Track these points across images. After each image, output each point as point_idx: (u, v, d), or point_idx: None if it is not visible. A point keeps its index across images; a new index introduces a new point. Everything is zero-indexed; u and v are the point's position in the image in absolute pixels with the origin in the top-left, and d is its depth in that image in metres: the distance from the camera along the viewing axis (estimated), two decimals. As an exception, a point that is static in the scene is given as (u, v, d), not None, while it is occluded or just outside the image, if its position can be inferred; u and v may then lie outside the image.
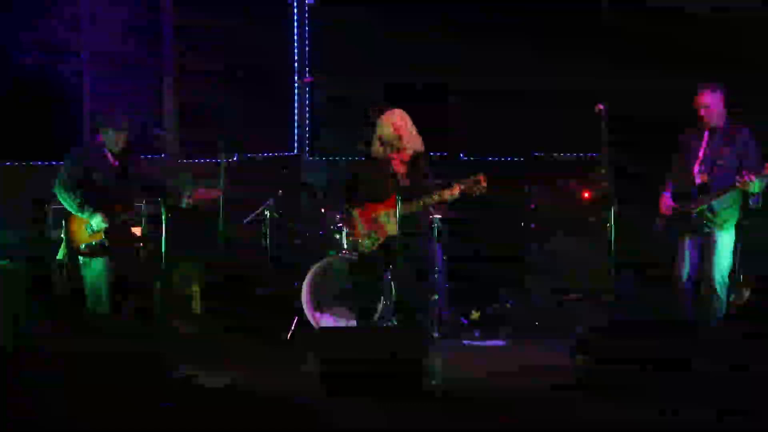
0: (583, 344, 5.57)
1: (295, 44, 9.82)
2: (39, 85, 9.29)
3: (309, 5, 9.84)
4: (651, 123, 7.63)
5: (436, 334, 7.21)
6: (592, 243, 7.99)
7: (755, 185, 6.13)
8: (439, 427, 4.92)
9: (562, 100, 8.69)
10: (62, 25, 9.42)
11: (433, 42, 9.10)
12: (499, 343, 7.36)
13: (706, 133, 6.44)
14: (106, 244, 6.69)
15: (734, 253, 6.36)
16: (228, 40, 9.56)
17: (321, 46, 9.81)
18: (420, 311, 6.64)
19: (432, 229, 7.16)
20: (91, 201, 6.71)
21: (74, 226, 6.75)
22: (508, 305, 8.16)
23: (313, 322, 7.38)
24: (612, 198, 6.44)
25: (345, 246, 7.46)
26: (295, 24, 9.84)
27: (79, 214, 6.70)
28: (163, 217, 6.45)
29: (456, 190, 6.35)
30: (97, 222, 6.68)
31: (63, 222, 6.79)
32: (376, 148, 6.62)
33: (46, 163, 9.37)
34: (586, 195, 8.73)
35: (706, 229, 6.37)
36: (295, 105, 9.89)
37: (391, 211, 6.40)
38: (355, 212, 6.64)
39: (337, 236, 7.64)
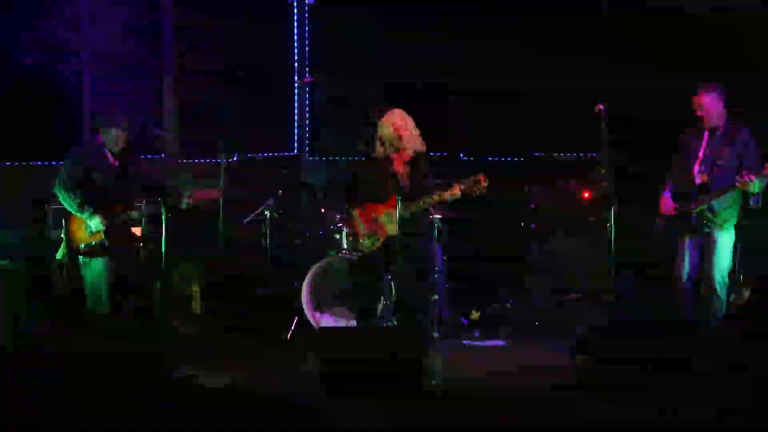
0: (583, 344, 5.57)
1: (295, 44, 9.82)
2: (39, 85, 9.29)
3: (309, 5, 9.84)
4: (651, 123, 7.63)
5: (436, 334, 7.21)
6: (592, 243, 7.98)
7: (755, 185, 6.12)
8: (439, 427, 4.92)
9: (562, 100, 8.69)
10: (62, 25, 9.42)
11: (433, 42, 9.09)
12: (499, 343, 7.36)
13: (706, 133, 6.44)
14: (106, 244, 6.69)
15: (734, 253, 6.36)
16: (228, 40, 9.56)
17: (321, 46, 9.81)
18: (420, 311, 6.64)
19: (432, 229, 7.16)
20: (91, 201, 6.71)
21: (74, 226, 6.75)
22: (508, 305, 8.16)
23: (313, 322, 7.38)
24: (612, 198, 6.44)
25: (345, 246, 7.46)
26: (295, 24, 9.84)
27: (79, 214, 6.71)
28: (163, 217, 6.45)
29: (456, 190, 6.35)
30: (96, 224, 6.68)
31: (63, 222, 6.79)
32: (377, 148, 6.62)
33: (46, 163, 9.37)
34: (586, 195, 8.73)
35: (706, 229, 6.37)
36: (295, 105, 9.89)
37: (392, 212, 6.39)
38: (356, 212, 6.64)
39: (337, 236, 7.65)
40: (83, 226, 6.72)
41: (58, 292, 7.05)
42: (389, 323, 6.64)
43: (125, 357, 5.41)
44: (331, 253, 7.56)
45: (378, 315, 6.77)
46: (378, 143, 6.60)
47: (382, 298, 6.79)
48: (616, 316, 6.79)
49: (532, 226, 8.69)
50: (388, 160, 6.59)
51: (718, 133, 6.40)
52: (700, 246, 6.42)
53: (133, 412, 4.74)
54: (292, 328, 7.41)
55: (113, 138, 6.80)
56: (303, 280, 7.45)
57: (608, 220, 6.37)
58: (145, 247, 6.89)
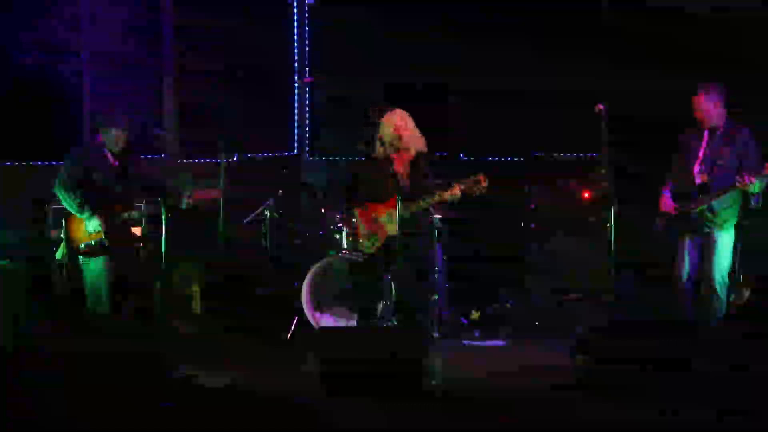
0: (583, 344, 5.56)
1: (295, 44, 9.82)
2: (39, 85, 9.28)
3: (309, 5, 9.84)
4: (651, 123, 7.63)
5: (436, 334, 7.20)
6: (592, 243, 7.98)
7: (755, 186, 6.12)
8: (439, 427, 4.92)
9: (562, 100, 8.68)
10: (62, 25, 9.42)
11: (433, 42, 9.09)
12: (499, 343, 7.36)
13: (706, 133, 6.44)
14: (106, 244, 6.69)
15: (734, 253, 6.36)
16: (228, 40, 9.56)
17: (321, 46, 9.81)
18: (420, 311, 6.64)
19: (432, 229, 7.15)
20: (91, 201, 6.71)
21: (74, 226, 6.75)
22: (508, 305, 8.16)
23: (313, 322, 7.38)
24: (612, 198, 6.44)
25: (345, 246, 7.46)
26: (295, 24, 9.84)
27: (79, 215, 6.70)
28: (163, 217, 6.45)
29: (456, 190, 6.35)
30: (95, 225, 6.68)
31: (63, 222, 6.79)
32: (377, 149, 6.62)
33: (46, 163, 9.37)
34: (586, 195, 8.73)
35: (706, 229, 6.37)
36: (295, 105, 9.89)
37: (392, 212, 6.39)
38: (356, 212, 6.64)
39: (337, 236, 7.65)
40: (83, 226, 6.72)
41: (58, 292, 7.05)
42: (389, 323, 6.64)
43: (125, 357, 5.41)
44: (331, 253, 7.56)
45: (378, 315, 6.77)
46: (378, 143, 6.60)
47: (382, 298, 6.79)
48: (616, 316, 6.79)
49: (532, 226, 8.69)
50: (388, 160, 6.59)
51: (718, 133, 6.40)
52: (700, 246, 6.42)
53: (133, 412, 4.74)
54: (292, 328, 7.41)
55: (113, 138, 6.80)
56: (303, 280, 7.45)
57: (608, 220, 6.37)
58: (145, 247, 6.88)
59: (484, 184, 6.33)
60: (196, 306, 7.84)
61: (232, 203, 7.00)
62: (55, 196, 6.85)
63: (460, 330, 7.64)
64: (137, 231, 6.90)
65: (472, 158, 9.47)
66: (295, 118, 9.87)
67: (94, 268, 6.72)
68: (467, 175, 6.37)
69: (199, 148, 9.36)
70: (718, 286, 6.32)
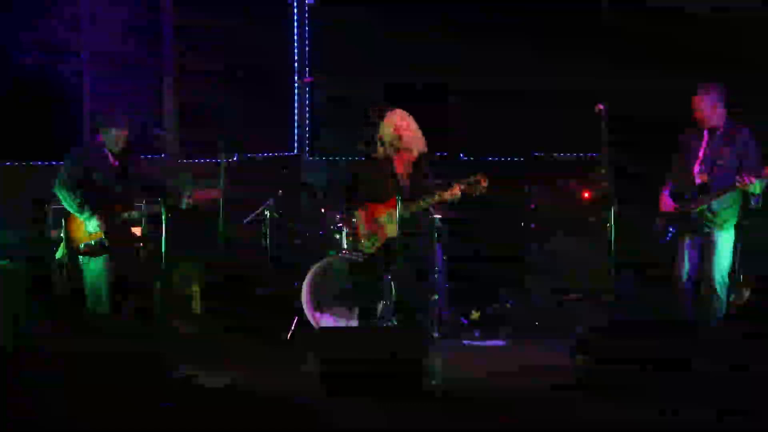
0: (583, 344, 5.57)
1: (295, 44, 9.82)
2: (39, 85, 9.28)
3: (309, 5, 9.84)
4: (651, 123, 7.63)
5: (436, 334, 7.20)
6: (592, 243, 7.98)
7: (756, 186, 6.12)
8: (439, 427, 4.92)
9: (562, 100, 8.68)
10: (62, 25, 9.42)
11: (433, 42, 9.09)
12: (499, 343, 7.36)
13: (706, 133, 6.44)
14: (106, 244, 6.69)
15: (734, 253, 6.36)
16: (228, 40, 9.56)
17: (321, 46, 9.81)
18: (420, 311, 6.64)
19: (432, 229, 7.15)
20: (91, 201, 6.71)
21: (73, 226, 6.75)
22: (508, 305, 8.16)
23: (313, 322, 7.38)
24: (612, 198, 6.44)
25: (345, 246, 7.46)
26: (295, 24, 9.84)
27: (79, 215, 6.71)
28: (163, 217, 6.45)
29: (456, 190, 6.35)
30: (94, 226, 6.68)
31: (63, 222, 6.79)
32: (377, 149, 6.62)
33: (46, 163, 9.37)
34: (586, 195, 8.73)
35: (706, 229, 6.37)
36: (295, 105, 9.89)
37: (392, 212, 6.39)
38: (356, 213, 6.64)
39: (337, 236, 7.65)
40: (83, 226, 6.72)
41: (58, 292, 7.05)
42: (389, 323, 6.63)
43: (125, 357, 5.41)
44: (331, 253, 7.56)
45: (378, 315, 6.77)
46: (378, 143, 6.60)
47: (382, 298, 6.79)
48: (616, 316, 6.79)
49: (532, 226, 8.69)
50: (388, 161, 6.59)
51: (718, 133, 6.40)
52: (700, 246, 6.42)
53: (133, 412, 4.74)
54: (292, 328, 7.41)
55: (113, 138, 6.80)
56: (303, 280, 7.45)
57: (608, 220, 6.37)
58: (145, 247, 6.89)
59: (484, 184, 6.32)
60: (196, 306, 7.84)
61: (232, 203, 6.99)
62: (55, 196, 6.85)
63: (460, 330, 7.64)
64: (137, 231, 6.91)
65: (472, 158, 9.47)
66: (295, 118, 9.87)
67: (94, 268, 6.72)
68: (467, 175, 6.36)
69: (199, 148, 9.36)
70: (718, 286, 6.32)
